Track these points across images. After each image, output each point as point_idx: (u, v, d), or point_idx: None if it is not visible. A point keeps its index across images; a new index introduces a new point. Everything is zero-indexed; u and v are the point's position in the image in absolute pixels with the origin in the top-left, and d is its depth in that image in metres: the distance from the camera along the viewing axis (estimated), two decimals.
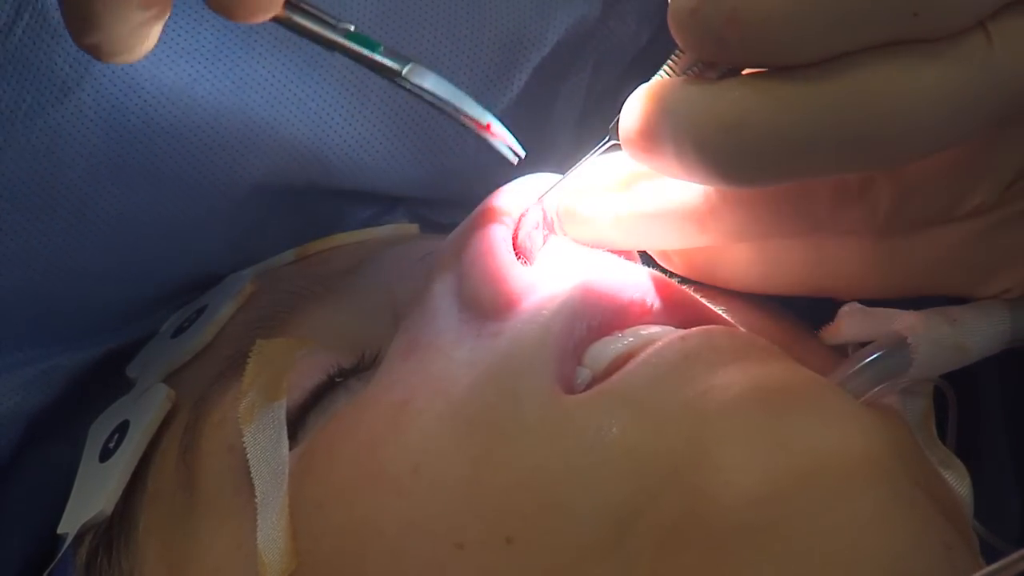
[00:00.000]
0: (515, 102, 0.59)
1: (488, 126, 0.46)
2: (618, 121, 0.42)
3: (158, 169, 0.53)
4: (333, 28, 0.44)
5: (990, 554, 0.42)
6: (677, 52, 0.41)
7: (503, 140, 0.46)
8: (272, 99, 0.54)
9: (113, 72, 0.50)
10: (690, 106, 0.39)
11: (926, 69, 0.36)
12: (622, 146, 0.41)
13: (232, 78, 0.53)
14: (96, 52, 0.41)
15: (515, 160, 0.46)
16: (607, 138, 0.44)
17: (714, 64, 0.39)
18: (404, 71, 0.44)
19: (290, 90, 0.54)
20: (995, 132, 0.39)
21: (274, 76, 0.54)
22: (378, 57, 0.44)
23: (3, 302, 0.53)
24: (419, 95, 0.45)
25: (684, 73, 0.40)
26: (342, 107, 0.56)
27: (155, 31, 0.41)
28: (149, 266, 0.56)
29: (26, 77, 0.49)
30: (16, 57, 0.49)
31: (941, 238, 0.43)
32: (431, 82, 0.45)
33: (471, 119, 0.45)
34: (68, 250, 0.53)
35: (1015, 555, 0.34)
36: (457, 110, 0.45)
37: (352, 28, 0.44)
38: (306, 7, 0.43)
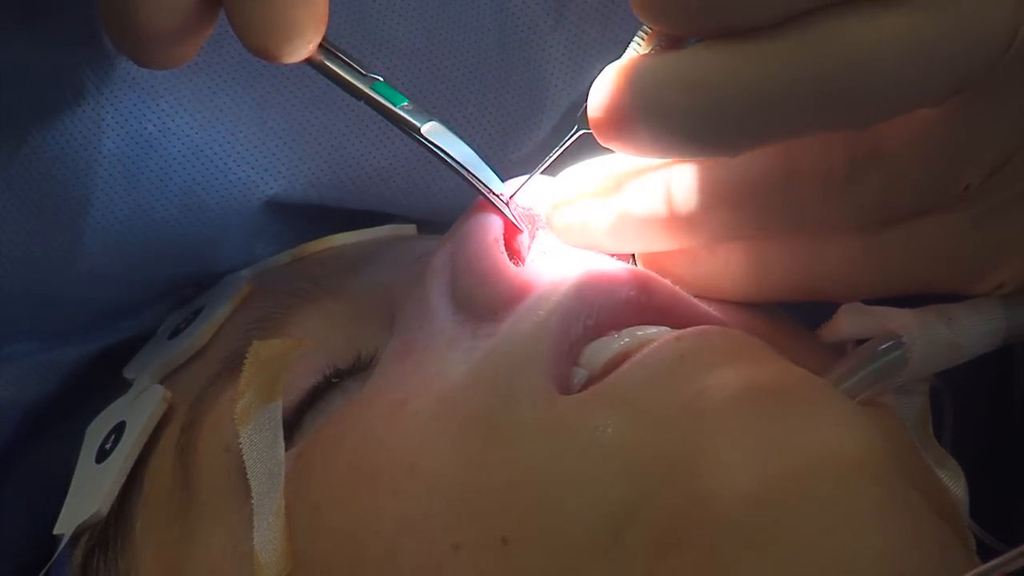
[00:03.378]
0: (545, 143, 0.59)
1: (499, 195, 0.46)
2: (586, 109, 0.42)
3: (171, 179, 0.53)
4: (361, 77, 0.45)
5: (985, 555, 0.42)
6: (641, 32, 0.41)
7: (509, 210, 0.47)
8: (292, 120, 0.54)
9: (132, 79, 0.51)
10: (656, 75, 0.39)
11: (888, 19, 0.37)
12: (592, 130, 0.42)
13: (253, 94, 0.53)
14: (134, 54, 0.41)
15: (522, 228, 0.47)
16: (576, 128, 0.44)
17: (680, 38, 0.40)
18: (423, 128, 0.45)
19: (312, 112, 0.54)
20: (972, 107, 0.39)
21: (296, 96, 0.54)
22: (400, 111, 0.45)
23: (6, 294, 0.53)
24: (436, 153, 0.46)
25: (651, 50, 0.41)
26: (364, 136, 0.56)
27: (198, 40, 0.42)
28: (155, 267, 0.56)
29: (47, 78, 0.49)
30: (38, 58, 0.49)
31: (932, 230, 0.43)
32: (449, 143, 0.46)
33: (483, 184, 0.46)
34: (75, 250, 0.53)
35: (1012, 553, 0.34)
36: (471, 174, 0.46)
37: (380, 79, 0.45)
38: (339, 53, 0.44)
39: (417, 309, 0.46)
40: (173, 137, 0.52)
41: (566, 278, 0.44)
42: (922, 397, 0.47)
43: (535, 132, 0.59)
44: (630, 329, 0.43)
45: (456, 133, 0.46)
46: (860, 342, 0.46)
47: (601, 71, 0.41)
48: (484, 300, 0.44)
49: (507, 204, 0.47)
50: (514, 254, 0.46)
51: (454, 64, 0.56)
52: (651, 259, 0.47)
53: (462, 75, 0.56)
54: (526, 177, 0.47)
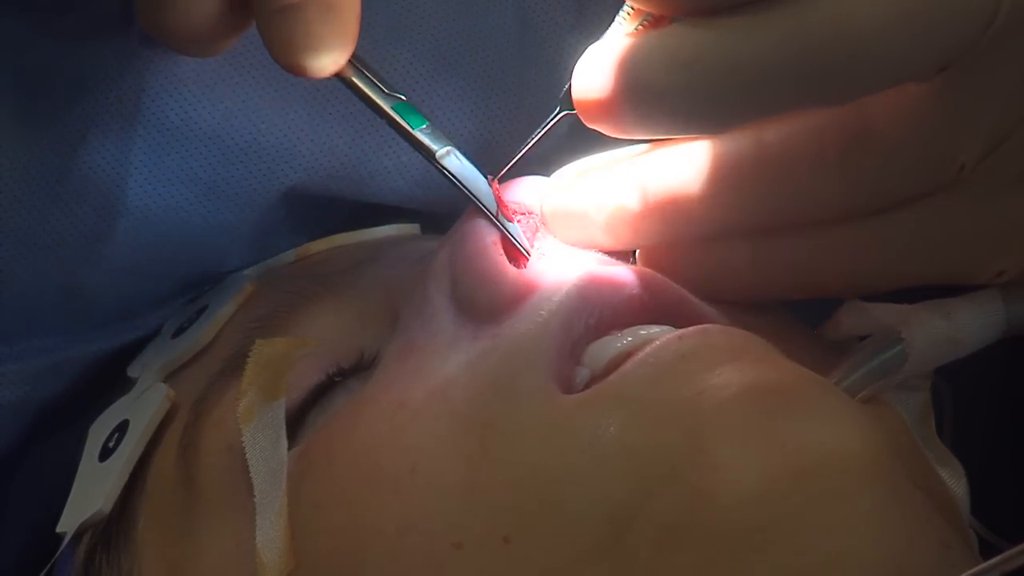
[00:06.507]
0: (564, 140, 0.58)
1: (504, 230, 0.47)
2: (569, 88, 0.42)
3: (192, 169, 0.53)
4: (385, 96, 0.45)
5: (988, 553, 0.42)
6: (625, 11, 0.41)
7: (515, 237, 0.47)
8: (313, 111, 0.54)
9: (155, 69, 0.51)
10: (644, 54, 0.39)
11: None
12: (576, 111, 0.42)
13: (274, 85, 0.53)
14: (169, 46, 0.41)
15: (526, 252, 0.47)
16: (558, 109, 0.44)
17: (664, 17, 0.40)
18: (438, 153, 0.46)
19: (333, 105, 0.54)
20: (959, 84, 0.39)
21: (317, 88, 0.54)
22: (418, 134, 0.46)
23: (25, 288, 0.53)
24: (451, 179, 0.46)
25: (635, 28, 0.41)
26: (383, 128, 0.55)
27: (232, 39, 0.42)
28: (171, 262, 0.56)
29: (71, 65, 0.49)
30: (63, 45, 0.49)
31: (930, 215, 0.42)
32: (462, 170, 0.46)
33: (491, 214, 0.46)
34: (94, 240, 0.53)
35: (1013, 550, 0.34)
36: (481, 204, 0.46)
37: (403, 98, 0.46)
38: (366, 71, 0.45)
39: (419, 309, 0.46)
40: (195, 126, 0.52)
41: (567, 278, 0.44)
42: (924, 394, 0.47)
43: (555, 130, 0.59)
44: (633, 328, 0.43)
45: (471, 160, 0.47)
46: (861, 339, 0.46)
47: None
48: (484, 302, 0.44)
49: (509, 222, 0.47)
50: (514, 256, 0.46)
51: (474, 61, 0.56)
52: (650, 258, 0.46)
53: (482, 72, 0.56)
54: (541, 179, 0.47)
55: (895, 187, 0.42)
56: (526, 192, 0.48)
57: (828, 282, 0.45)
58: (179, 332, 0.54)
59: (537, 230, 0.47)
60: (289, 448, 0.45)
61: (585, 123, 0.42)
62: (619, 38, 0.41)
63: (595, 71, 0.40)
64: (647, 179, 0.44)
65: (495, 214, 0.46)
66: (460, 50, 0.56)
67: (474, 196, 0.46)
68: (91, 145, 0.51)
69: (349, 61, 0.43)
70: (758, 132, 0.42)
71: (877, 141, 0.41)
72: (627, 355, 0.42)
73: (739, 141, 0.42)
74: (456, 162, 0.46)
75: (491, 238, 0.46)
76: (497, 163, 0.48)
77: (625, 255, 0.47)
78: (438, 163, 0.46)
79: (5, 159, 0.50)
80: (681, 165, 0.43)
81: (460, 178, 0.46)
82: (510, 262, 0.45)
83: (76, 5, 0.49)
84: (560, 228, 0.46)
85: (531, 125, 0.56)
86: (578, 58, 0.56)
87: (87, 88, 0.50)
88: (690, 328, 0.42)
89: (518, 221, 0.47)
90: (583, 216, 0.45)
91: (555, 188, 0.46)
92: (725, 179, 0.43)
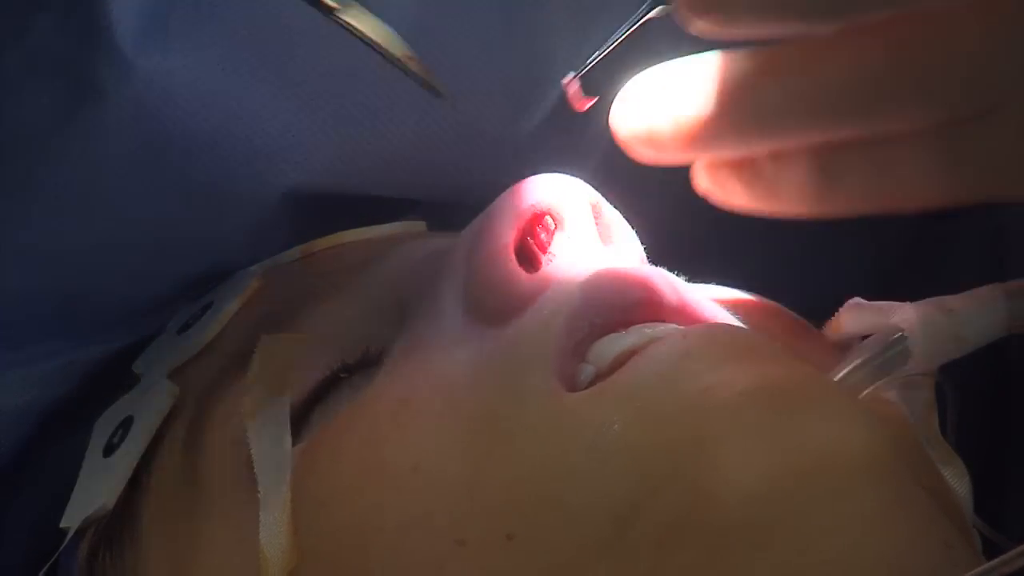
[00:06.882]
0: (554, 111, 0.58)
1: (410, 60, 0.45)
2: None
3: (191, 176, 0.53)
4: None
5: (991, 553, 0.42)
6: None
7: (425, 76, 0.45)
8: (308, 111, 0.54)
9: (151, 78, 0.51)
10: None
11: None
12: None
13: (269, 88, 0.53)
14: None
15: (438, 95, 0.46)
16: (650, 1, 0.43)
17: None
18: (339, 8, 0.44)
19: (327, 102, 0.54)
20: None
21: (313, 87, 0.54)
22: None
23: (28, 295, 0.53)
24: (353, 33, 0.44)
25: None
26: (380, 122, 0.55)
27: None
28: (174, 265, 0.56)
29: (65, 79, 0.50)
30: (55, 58, 0.49)
31: (1005, 129, 0.39)
32: (364, 22, 0.44)
33: (396, 57, 0.45)
34: (98, 248, 0.53)
35: (1016, 551, 0.34)
36: (385, 50, 0.45)
37: None
38: None
39: (426, 308, 0.46)
40: (192, 136, 0.52)
41: (574, 281, 0.44)
42: (927, 392, 0.47)
43: (544, 102, 0.58)
44: (638, 327, 0.43)
45: (377, 15, 0.45)
46: (863, 338, 0.46)
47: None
48: (492, 306, 0.44)
49: (413, 70, 0.45)
50: (526, 258, 0.46)
51: (460, 40, 0.56)
52: (713, 172, 0.43)
53: (469, 51, 0.56)
54: (594, 57, 0.46)
55: (979, 99, 0.39)
56: (544, 190, 0.47)
57: (896, 195, 0.42)
58: (184, 328, 0.54)
59: (554, 231, 0.47)
60: (293, 444, 0.45)
61: (685, 14, 0.39)
62: None
63: None
64: (724, 89, 0.41)
65: (399, 59, 0.45)
66: (444, 29, 0.55)
67: (377, 45, 0.45)
68: (89, 159, 0.51)
69: None
70: (836, 41, 0.39)
71: (962, 53, 0.38)
72: (632, 353, 0.42)
73: (817, 49, 0.39)
74: (359, 16, 0.44)
75: (504, 241, 0.45)
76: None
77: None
78: (337, 18, 0.44)
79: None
80: (756, 72, 0.40)
81: (363, 30, 0.44)
82: (521, 264, 0.45)
83: (63, 7, 0.49)
84: (629, 141, 0.42)
85: (520, 99, 0.56)
86: (561, 28, 0.56)
87: (83, 100, 0.50)
88: (695, 326, 0.42)
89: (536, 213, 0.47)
90: (653, 128, 0.42)
91: (626, 98, 0.43)
92: (801, 90, 0.40)
